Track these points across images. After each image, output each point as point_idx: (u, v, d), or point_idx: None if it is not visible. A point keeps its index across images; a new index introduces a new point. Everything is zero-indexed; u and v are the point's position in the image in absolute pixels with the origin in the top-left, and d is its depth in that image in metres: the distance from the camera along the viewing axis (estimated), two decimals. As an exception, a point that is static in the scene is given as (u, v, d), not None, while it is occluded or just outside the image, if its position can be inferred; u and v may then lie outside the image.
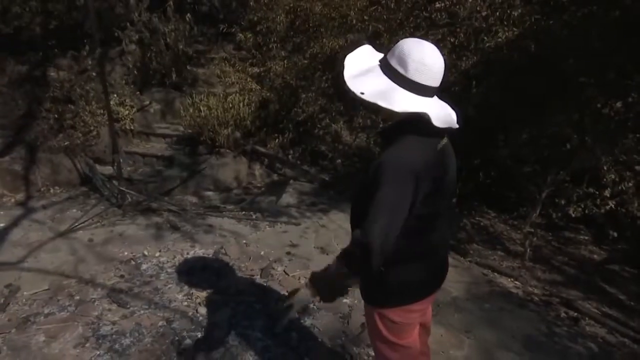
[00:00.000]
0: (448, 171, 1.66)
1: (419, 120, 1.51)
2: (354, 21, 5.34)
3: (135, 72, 6.85)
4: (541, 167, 4.08)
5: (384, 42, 5.29)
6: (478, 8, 5.17)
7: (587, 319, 3.61)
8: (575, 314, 3.64)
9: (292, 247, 4.20)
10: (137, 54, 7.00)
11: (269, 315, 3.09)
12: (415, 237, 1.59)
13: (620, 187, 4.29)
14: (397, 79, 1.53)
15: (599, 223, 5.15)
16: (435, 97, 1.60)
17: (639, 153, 4.19)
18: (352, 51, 1.65)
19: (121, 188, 4.98)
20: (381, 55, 1.64)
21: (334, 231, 4.61)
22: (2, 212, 4.89)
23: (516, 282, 4.09)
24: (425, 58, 1.50)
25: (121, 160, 5.50)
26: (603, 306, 3.92)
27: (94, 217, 4.70)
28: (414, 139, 1.54)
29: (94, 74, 6.29)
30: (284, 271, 3.74)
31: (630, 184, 4.28)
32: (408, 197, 1.50)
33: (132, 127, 6.35)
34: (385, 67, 1.56)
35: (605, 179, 4.27)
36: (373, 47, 1.71)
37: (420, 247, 1.65)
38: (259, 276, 3.65)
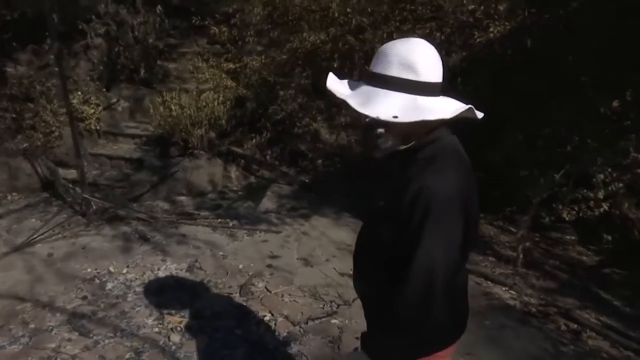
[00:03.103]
0: (476, 190, 1.38)
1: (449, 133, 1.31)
2: (336, 14, 5.02)
3: (101, 67, 6.42)
4: (539, 170, 3.86)
5: (368, 37, 5.01)
6: (464, 1, 4.94)
7: (587, 330, 3.41)
8: (576, 325, 3.45)
9: (273, 259, 3.89)
10: (103, 48, 6.57)
11: (251, 342, 2.78)
12: (454, 272, 1.31)
13: (610, 188, 4.12)
14: (411, 89, 1.23)
15: (586, 223, 4.99)
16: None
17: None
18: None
19: (85, 195, 4.57)
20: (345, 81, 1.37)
21: (317, 239, 4.32)
22: (-48, 223, 4.45)
23: (511, 292, 3.87)
24: (412, 52, 1.24)
25: (86, 164, 5.11)
26: (601, 315, 3.73)
27: (54, 227, 4.29)
28: (452, 159, 1.28)
29: (56, 69, 5.83)
30: (266, 287, 3.43)
31: (621, 185, 4.11)
32: (461, 228, 1.22)
33: (98, 127, 5.92)
34: (387, 80, 1.25)
35: (594, 180, 4.10)
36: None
37: (456, 283, 1.37)
38: (237, 294, 3.33)
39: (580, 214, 4.29)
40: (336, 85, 1.34)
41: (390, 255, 1.32)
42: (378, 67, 1.26)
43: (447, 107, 1.25)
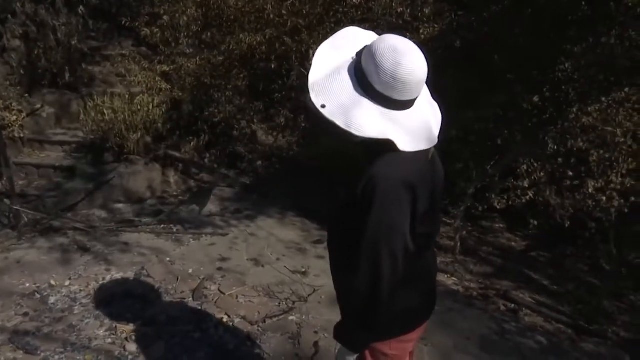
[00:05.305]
0: (439, 183, 1.48)
1: None
2: (272, 15, 5.06)
3: (21, 71, 6.03)
4: (474, 163, 4.13)
5: (304, 38, 5.09)
6: (393, 5, 5.15)
7: (524, 309, 3.73)
8: (513, 305, 3.75)
9: (223, 262, 3.87)
10: (22, 50, 6.18)
11: (211, 345, 2.77)
12: (411, 259, 1.39)
13: (533, 178, 4.48)
14: (365, 88, 1.26)
15: (513, 212, 5.38)
16: (415, 106, 1.32)
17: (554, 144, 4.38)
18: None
19: (14, 206, 4.30)
20: (364, 42, 1.33)
21: (265, 239, 4.35)
22: None
23: (453, 278, 4.12)
24: (397, 71, 1.21)
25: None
26: (534, 294, 4.07)
27: (-19, 243, 4.01)
28: (408, 153, 1.30)
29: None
30: (219, 290, 3.41)
31: (542, 174, 4.49)
32: (407, 216, 1.30)
33: (21, 135, 5.57)
34: (357, 67, 1.28)
35: (518, 170, 4.44)
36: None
37: (416, 270, 1.46)
38: (191, 299, 3.29)
39: (510, 202, 4.64)
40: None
41: (350, 241, 1.38)
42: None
43: (376, 125, 1.25)
